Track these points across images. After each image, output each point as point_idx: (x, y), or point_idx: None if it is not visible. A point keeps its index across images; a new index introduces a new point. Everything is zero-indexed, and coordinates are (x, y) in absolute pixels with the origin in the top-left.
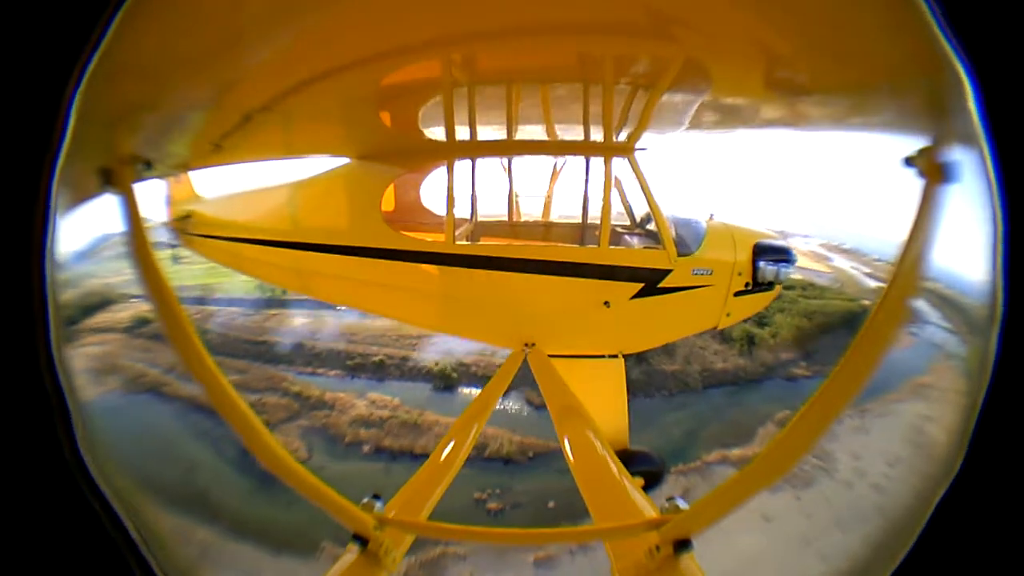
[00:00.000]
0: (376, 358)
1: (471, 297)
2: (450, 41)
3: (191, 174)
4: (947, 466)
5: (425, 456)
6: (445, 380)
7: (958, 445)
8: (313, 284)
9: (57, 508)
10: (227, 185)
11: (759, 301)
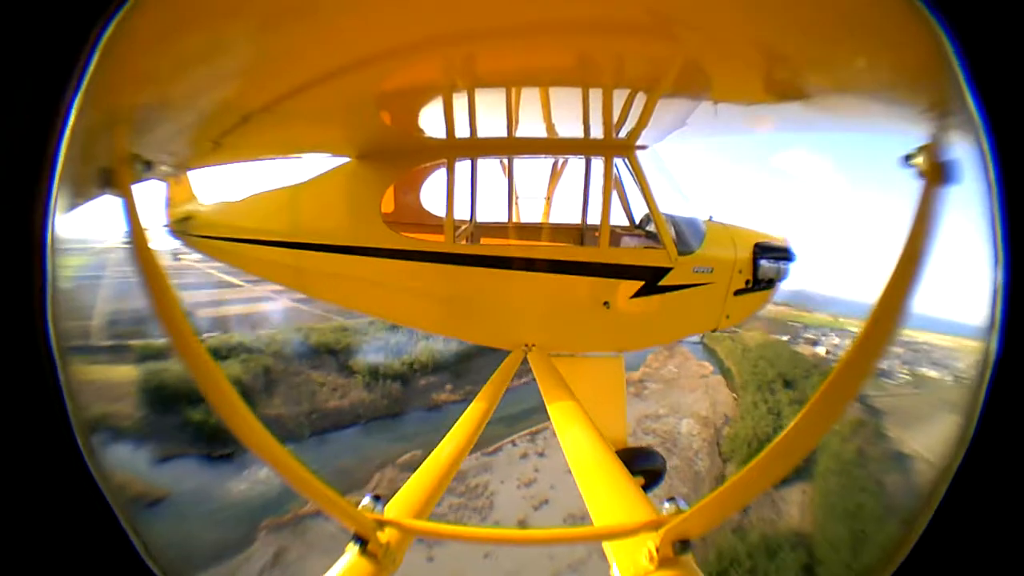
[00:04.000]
0: None
1: (471, 297)
2: (450, 41)
3: (191, 175)
4: (947, 466)
5: None
6: None
7: (958, 446)
8: (313, 284)
9: (56, 508)
10: (228, 186)
11: (758, 300)
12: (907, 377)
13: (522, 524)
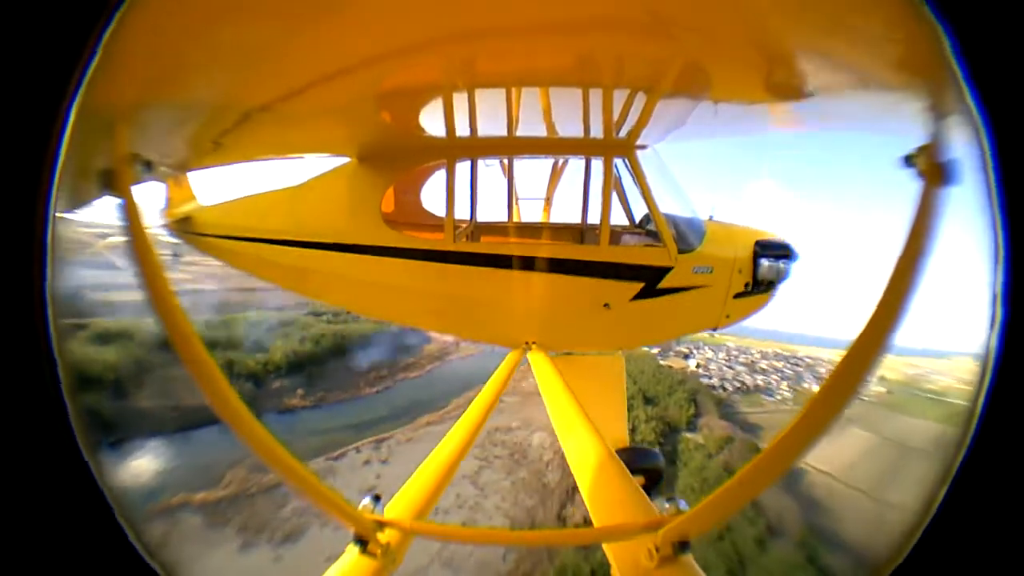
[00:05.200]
0: None
1: (471, 296)
2: (450, 41)
3: (191, 175)
4: (947, 467)
5: None
6: None
7: (958, 447)
8: (313, 284)
9: (57, 511)
10: (228, 186)
11: (757, 302)
12: (788, 393)
13: None
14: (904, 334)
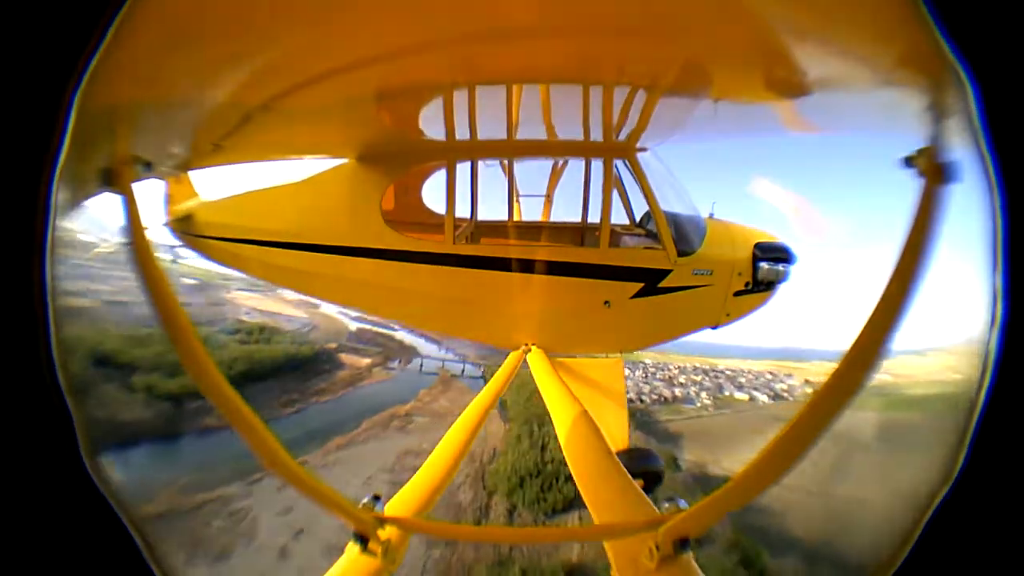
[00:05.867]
0: None
1: (471, 297)
2: (450, 41)
3: (191, 175)
4: (946, 469)
5: None
6: None
7: (957, 448)
8: (313, 284)
9: (57, 512)
10: (227, 186)
11: (757, 300)
12: (708, 401)
13: (283, 551)
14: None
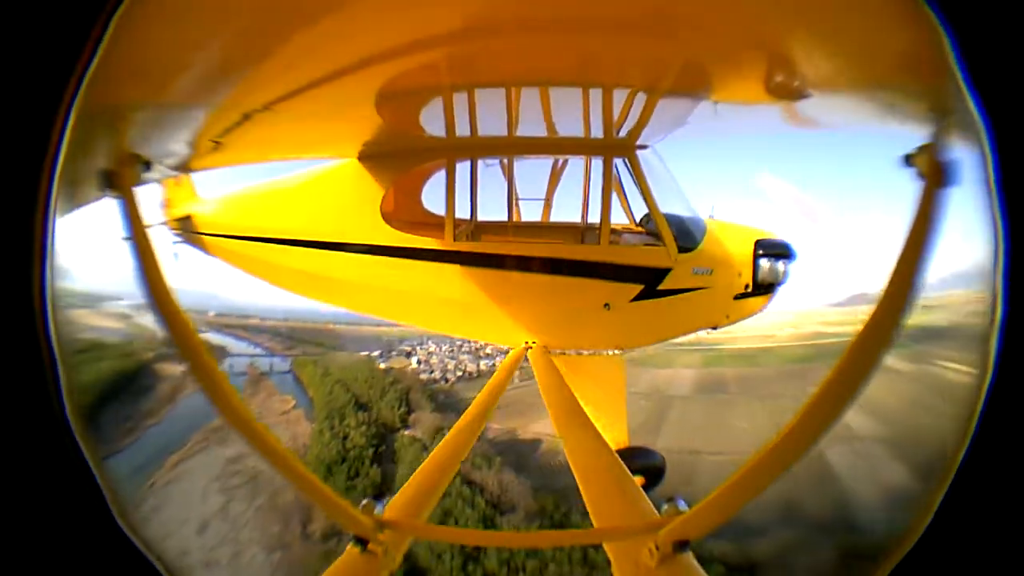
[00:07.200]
0: None
1: (471, 296)
2: (451, 40)
3: (191, 175)
4: (947, 471)
5: None
6: None
7: (957, 448)
8: (313, 284)
9: (56, 511)
10: (227, 184)
11: (757, 304)
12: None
13: None
14: None
